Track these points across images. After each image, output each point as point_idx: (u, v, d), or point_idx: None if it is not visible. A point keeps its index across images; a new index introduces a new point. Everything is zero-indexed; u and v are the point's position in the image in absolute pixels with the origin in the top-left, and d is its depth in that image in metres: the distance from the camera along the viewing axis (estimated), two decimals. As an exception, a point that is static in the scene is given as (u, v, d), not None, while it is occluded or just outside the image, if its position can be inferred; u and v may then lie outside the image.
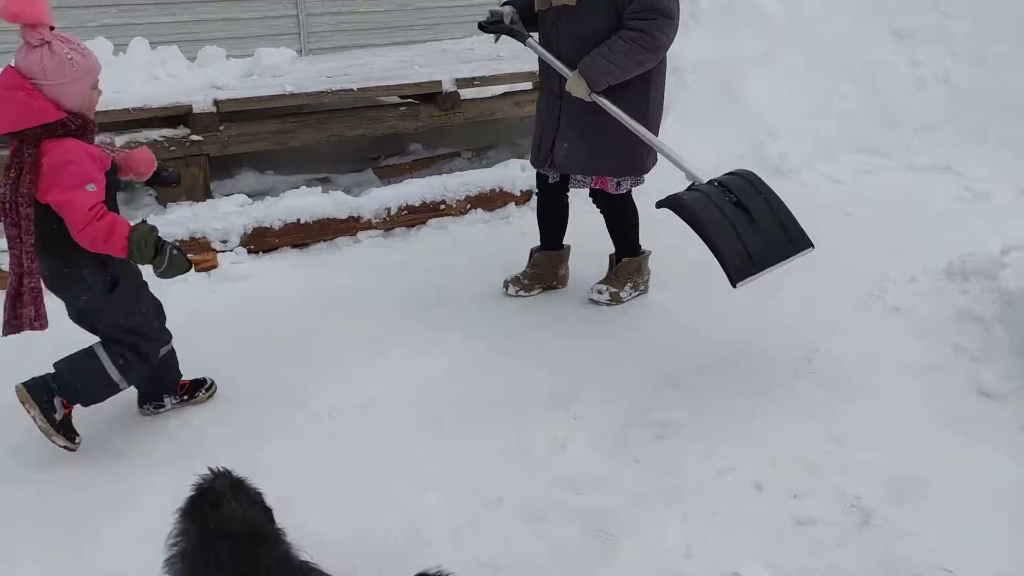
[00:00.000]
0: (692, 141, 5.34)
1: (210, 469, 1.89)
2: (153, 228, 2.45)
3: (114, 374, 2.66)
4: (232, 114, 4.61)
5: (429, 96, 5.30)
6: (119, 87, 4.52)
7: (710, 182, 3.09)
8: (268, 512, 1.90)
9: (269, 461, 2.54)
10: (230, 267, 4.08)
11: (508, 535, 2.38)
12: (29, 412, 2.57)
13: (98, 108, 4.01)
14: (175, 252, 2.47)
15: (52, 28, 2.40)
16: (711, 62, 5.73)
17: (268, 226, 4.27)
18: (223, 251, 4.17)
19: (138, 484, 2.56)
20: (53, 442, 2.60)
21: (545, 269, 3.85)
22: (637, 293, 3.76)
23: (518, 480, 2.60)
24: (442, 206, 4.70)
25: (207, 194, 4.68)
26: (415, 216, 4.64)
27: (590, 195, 3.68)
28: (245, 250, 4.23)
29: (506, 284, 3.87)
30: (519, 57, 5.73)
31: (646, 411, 2.94)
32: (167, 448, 2.75)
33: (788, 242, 3.04)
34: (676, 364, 3.24)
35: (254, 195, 4.71)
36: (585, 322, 3.61)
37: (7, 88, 2.36)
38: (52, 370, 2.64)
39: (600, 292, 3.71)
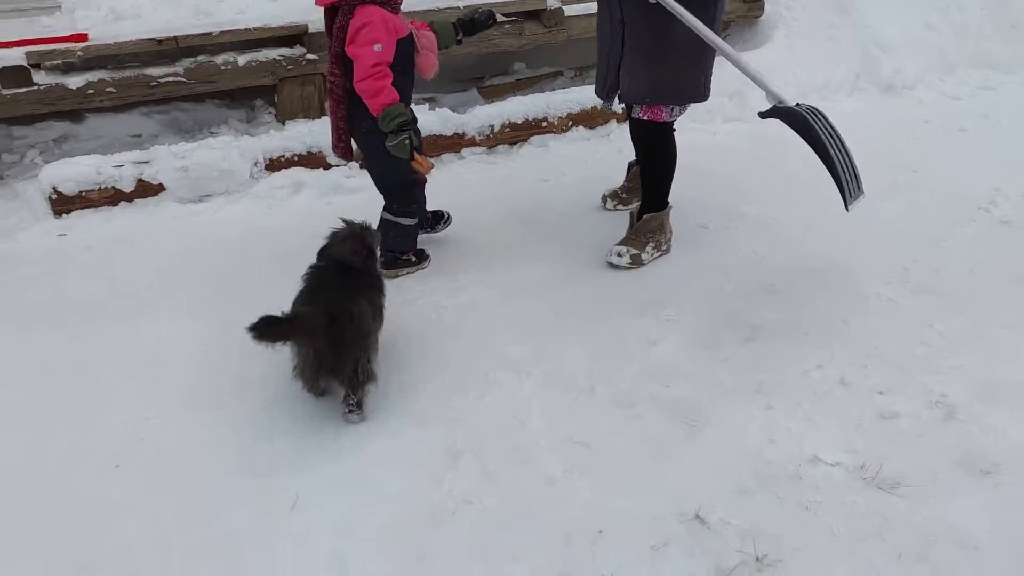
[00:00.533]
0: (800, 58, 5.25)
1: (344, 220, 2.79)
2: (405, 114, 2.91)
3: (403, 220, 3.29)
4: (345, 34, 4.80)
5: (533, 13, 5.34)
6: (240, 7, 4.77)
7: (796, 105, 2.95)
8: (371, 254, 2.78)
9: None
10: (344, 180, 4.33)
11: (599, 420, 2.56)
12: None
13: (220, 27, 4.32)
14: (406, 141, 2.93)
15: None
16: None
17: (379, 141, 4.47)
18: (337, 165, 4.42)
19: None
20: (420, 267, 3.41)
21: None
22: (659, 253, 3.46)
23: (610, 373, 2.76)
24: (544, 123, 4.80)
25: (323, 112, 4.92)
26: (517, 133, 4.76)
27: (632, 127, 3.42)
28: (358, 164, 4.46)
29: (604, 198, 3.96)
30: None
31: (737, 316, 3.04)
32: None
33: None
34: (771, 273, 3.29)
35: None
36: (681, 233, 3.68)
37: None
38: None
39: (620, 255, 3.40)
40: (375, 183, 3.39)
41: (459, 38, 3.28)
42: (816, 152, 2.84)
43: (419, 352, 2.89)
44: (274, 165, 4.27)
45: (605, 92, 3.39)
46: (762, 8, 5.80)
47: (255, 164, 4.24)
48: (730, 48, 3.07)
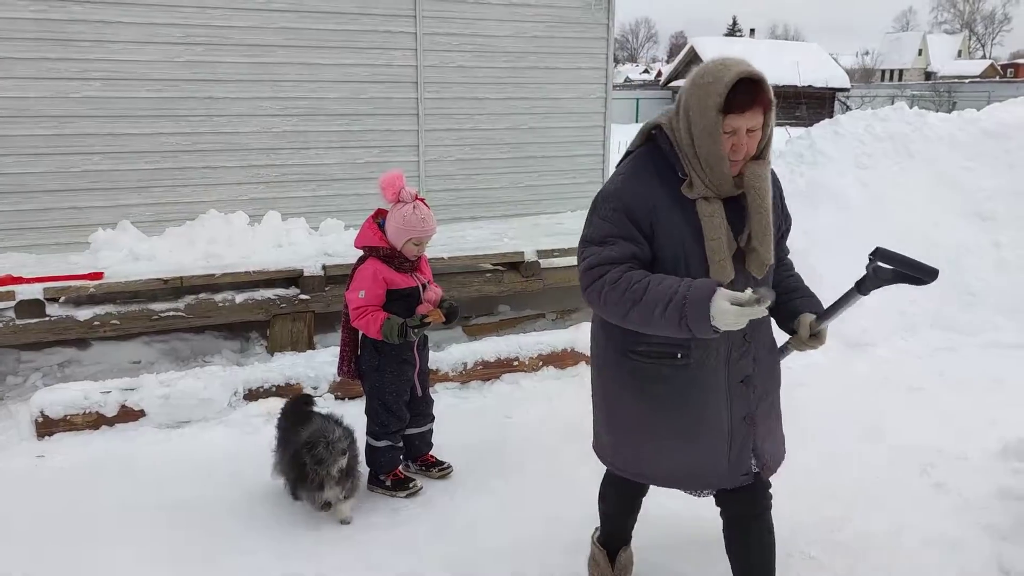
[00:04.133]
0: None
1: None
2: (394, 325, 3.43)
3: (370, 440, 3.68)
4: (337, 276, 5.28)
5: (513, 264, 5.82)
6: (245, 253, 5.32)
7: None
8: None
9: None
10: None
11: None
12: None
13: (224, 269, 4.78)
14: (413, 331, 3.50)
15: (417, 197, 3.53)
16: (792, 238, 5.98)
17: (355, 377, 4.77)
18: (314, 395, 4.69)
19: None
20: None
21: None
22: None
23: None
24: (515, 362, 5.08)
25: (310, 346, 5.29)
26: (489, 371, 5.04)
27: (725, 505, 2.59)
28: (333, 396, 4.74)
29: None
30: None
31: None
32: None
33: None
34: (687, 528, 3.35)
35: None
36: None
37: (369, 218, 3.59)
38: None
39: None
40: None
41: (444, 320, 3.66)
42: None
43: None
44: (252, 395, 4.55)
45: (729, 477, 2.47)
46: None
47: (234, 394, 4.53)
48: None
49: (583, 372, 5.14)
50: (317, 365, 4.79)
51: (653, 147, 2.39)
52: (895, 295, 5.76)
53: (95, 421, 4.25)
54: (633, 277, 2.23)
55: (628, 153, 2.49)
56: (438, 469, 3.88)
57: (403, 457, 3.84)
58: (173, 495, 3.65)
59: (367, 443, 3.70)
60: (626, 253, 2.28)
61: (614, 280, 2.25)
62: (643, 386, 2.44)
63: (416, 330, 3.51)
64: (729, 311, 2.09)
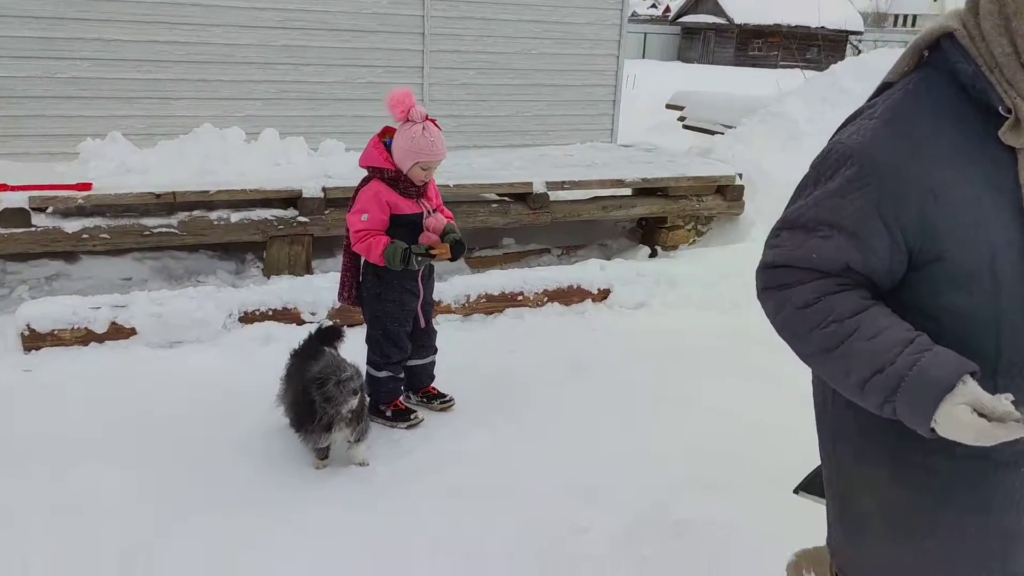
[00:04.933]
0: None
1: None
2: (398, 250, 3.22)
3: (371, 371, 3.52)
4: (337, 200, 5.08)
5: (520, 196, 5.62)
6: (243, 170, 5.09)
7: None
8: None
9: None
10: (315, 337, 4.43)
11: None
12: None
13: (219, 186, 4.59)
14: (417, 259, 3.30)
15: (428, 118, 3.28)
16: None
17: (354, 303, 4.61)
18: (311, 321, 4.54)
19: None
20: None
21: None
22: None
23: (530, 537, 2.71)
24: (520, 297, 4.93)
25: (308, 270, 5.11)
26: (493, 304, 4.88)
27: None
28: (331, 323, 4.58)
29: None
30: (609, 165, 5.98)
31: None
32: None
33: None
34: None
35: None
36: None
37: (375, 137, 3.36)
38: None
39: None
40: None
41: (450, 257, 3.41)
42: None
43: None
44: (248, 318, 4.40)
45: None
46: (742, 207, 6.05)
47: (229, 316, 4.37)
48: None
49: (588, 309, 5.00)
50: (315, 290, 4.62)
51: (935, 73, 1.41)
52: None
53: (84, 337, 4.09)
54: (837, 307, 1.40)
55: (886, 86, 1.50)
56: (439, 402, 3.75)
57: (404, 388, 3.71)
58: (164, 414, 3.52)
59: (367, 373, 3.54)
60: (839, 260, 1.41)
61: (803, 303, 1.43)
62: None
63: (420, 259, 3.32)
64: (968, 424, 1.26)
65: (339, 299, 3.61)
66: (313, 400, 3.06)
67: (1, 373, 3.83)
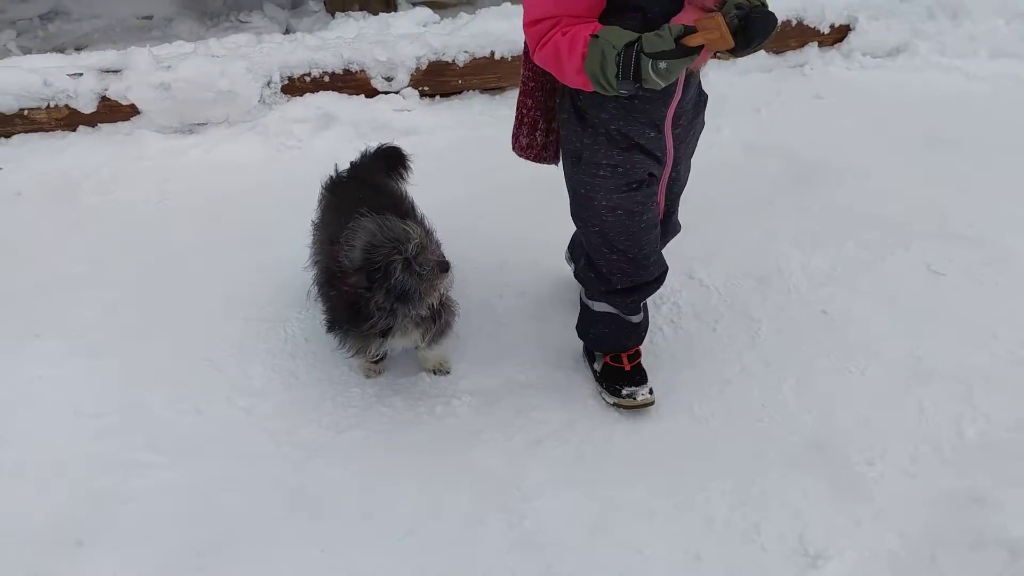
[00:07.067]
0: None
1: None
2: (616, 45, 1.55)
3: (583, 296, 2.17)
4: None
5: None
6: None
7: None
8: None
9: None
10: (393, 115, 3.08)
11: None
12: None
13: None
14: (659, 66, 1.53)
15: None
16: None
17: (450, 60, 3.16)
18: (387, 91, 3.14)
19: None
20: None
21: None
22: None
23: None
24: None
25: (388, 5, 3.59)
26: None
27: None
28: (416, 92, 3.17)
29: None
30: None
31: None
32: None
33: None
34: None
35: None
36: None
37: None
38: None
39: None
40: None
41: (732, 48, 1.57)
42: None
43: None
44: (295, 87, 3.11)
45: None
46: None
47: (268, 84, 3.09)
48: None
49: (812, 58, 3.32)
50: (391, 42, 3.14)
51: None
52: None
53: (67, 119, 2.95)
54: None
55: None
56: None
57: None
58: (172, 240, 2.53)
59: (579, 298, 2.13)
60: None
61: None
62: None
63: (666, 64, 1.54)
64: None
65: (514, 146, 2.00)
66: (358, 297, 1.77)
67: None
